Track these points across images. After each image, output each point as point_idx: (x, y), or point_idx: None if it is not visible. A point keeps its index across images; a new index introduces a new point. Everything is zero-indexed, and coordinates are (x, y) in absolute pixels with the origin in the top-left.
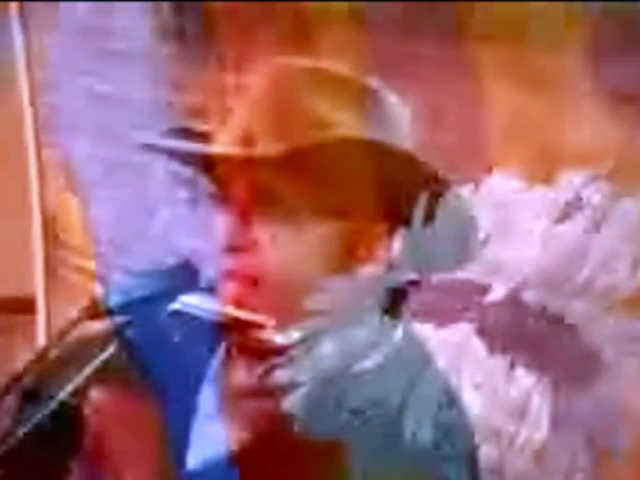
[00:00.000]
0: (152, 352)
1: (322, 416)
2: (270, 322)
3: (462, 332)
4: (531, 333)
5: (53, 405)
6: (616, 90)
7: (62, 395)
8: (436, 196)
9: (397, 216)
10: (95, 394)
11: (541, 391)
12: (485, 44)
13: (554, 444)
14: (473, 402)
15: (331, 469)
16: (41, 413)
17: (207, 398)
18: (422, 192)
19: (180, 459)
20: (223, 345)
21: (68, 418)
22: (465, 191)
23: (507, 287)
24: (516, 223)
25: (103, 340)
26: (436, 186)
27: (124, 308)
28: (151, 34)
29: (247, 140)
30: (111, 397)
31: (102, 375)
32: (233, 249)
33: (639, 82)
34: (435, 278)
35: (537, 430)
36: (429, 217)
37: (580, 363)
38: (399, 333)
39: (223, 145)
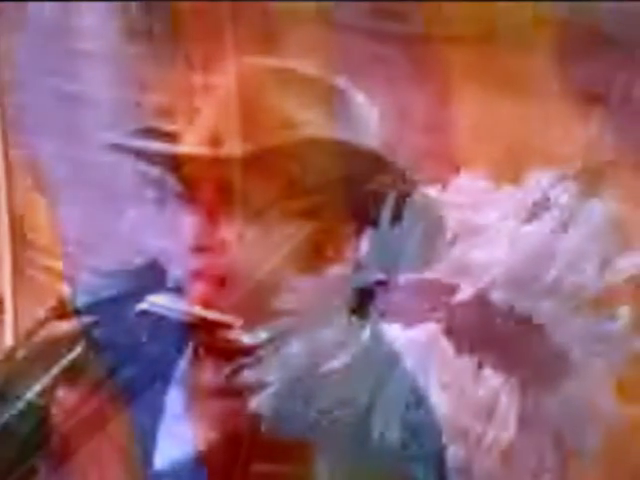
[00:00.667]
0: (119, 352)
1: (290, 416)
2: (238, 322)
3: (430, 332)
4: (499, 333)
5: (20, 405)
6: (583, 91)
7: (29, 395)
8: (403, 196)
9: (365, 216)
10: (62, 394)
11: (508, 391)
12: (452, 44)
13: (522, 444)
14: (441, 402)
15: (299, 469)
16: (8, 413)
17: (174, 398)
18: (390, 192)
19: (147, 459)
20: (191, 345)
21: (35, 418)
22: (432, 191)
23: (475, 287)
24: (484, 223)
25: (71, 340)
26: (404, 186)
27: (92, 308)
28: (118, 34)
29: (214, 140)
30: (78, 397)
31: (69, 375)
32: (200, 249)
33: (606, 83)
34: (402, 278)
35: (504, 430)
36: (396, 217)
37: (548, 363)
38: (367, 333)
39: (190, 145)
